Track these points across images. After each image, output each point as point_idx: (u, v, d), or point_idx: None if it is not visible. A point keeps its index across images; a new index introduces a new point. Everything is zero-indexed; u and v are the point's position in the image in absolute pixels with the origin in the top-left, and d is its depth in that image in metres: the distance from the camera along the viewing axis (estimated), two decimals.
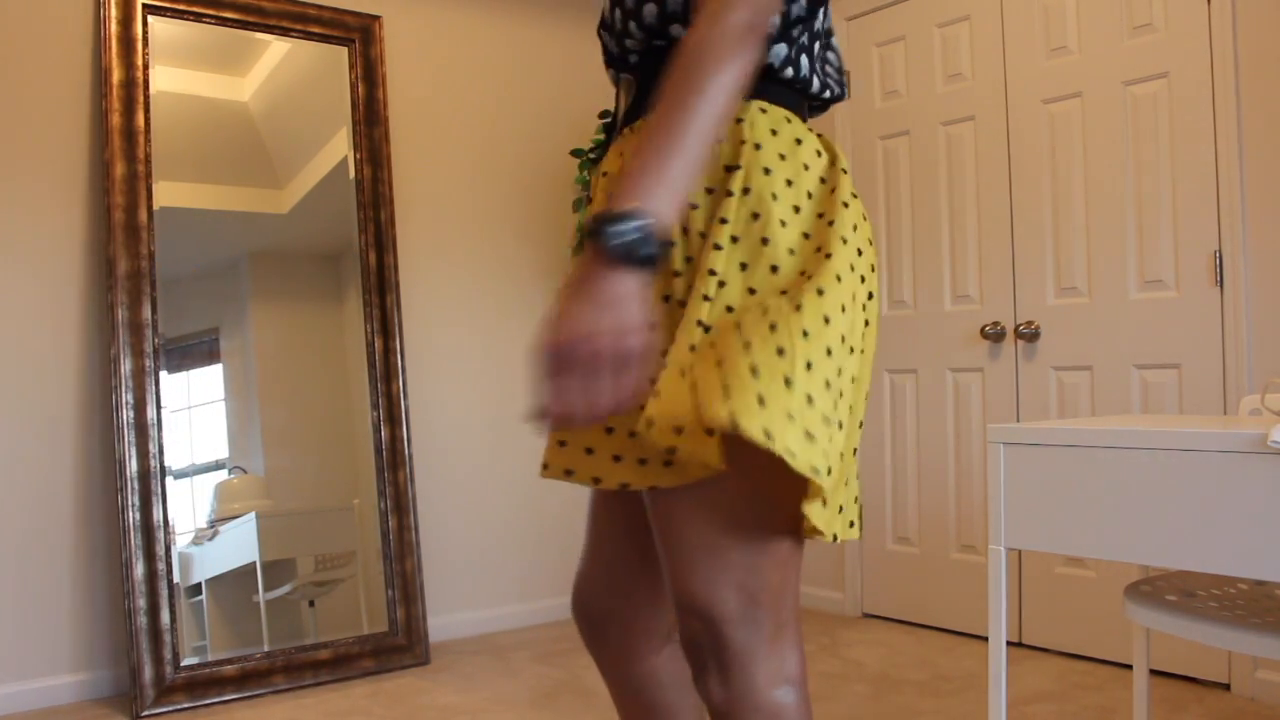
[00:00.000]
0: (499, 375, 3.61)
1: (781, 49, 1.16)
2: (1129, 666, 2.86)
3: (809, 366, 1.01)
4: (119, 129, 2.83)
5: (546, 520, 3.69)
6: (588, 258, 0.91)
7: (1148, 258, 2.84)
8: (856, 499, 1.16)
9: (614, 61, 1.26)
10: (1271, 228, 2.58)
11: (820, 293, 1.04)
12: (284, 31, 3.15)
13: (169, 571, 2.77)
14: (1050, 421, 1.87)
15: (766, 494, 1.06)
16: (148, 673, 2.70)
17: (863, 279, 1.11)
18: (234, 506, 2.99)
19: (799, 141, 1.14)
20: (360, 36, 3.27)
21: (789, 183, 1.11)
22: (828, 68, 1.23)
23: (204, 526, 2.92)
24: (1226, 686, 2.67)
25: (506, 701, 2.75)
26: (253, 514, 3.00)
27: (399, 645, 3.10)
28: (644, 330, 0.91)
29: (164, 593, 2.75)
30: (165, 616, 2.74)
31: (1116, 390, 2.90)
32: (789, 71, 1.17)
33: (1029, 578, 3.11)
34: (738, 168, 1.10)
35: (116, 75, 2.84)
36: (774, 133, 1.13)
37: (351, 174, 3.23)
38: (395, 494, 3.17)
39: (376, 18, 3.31)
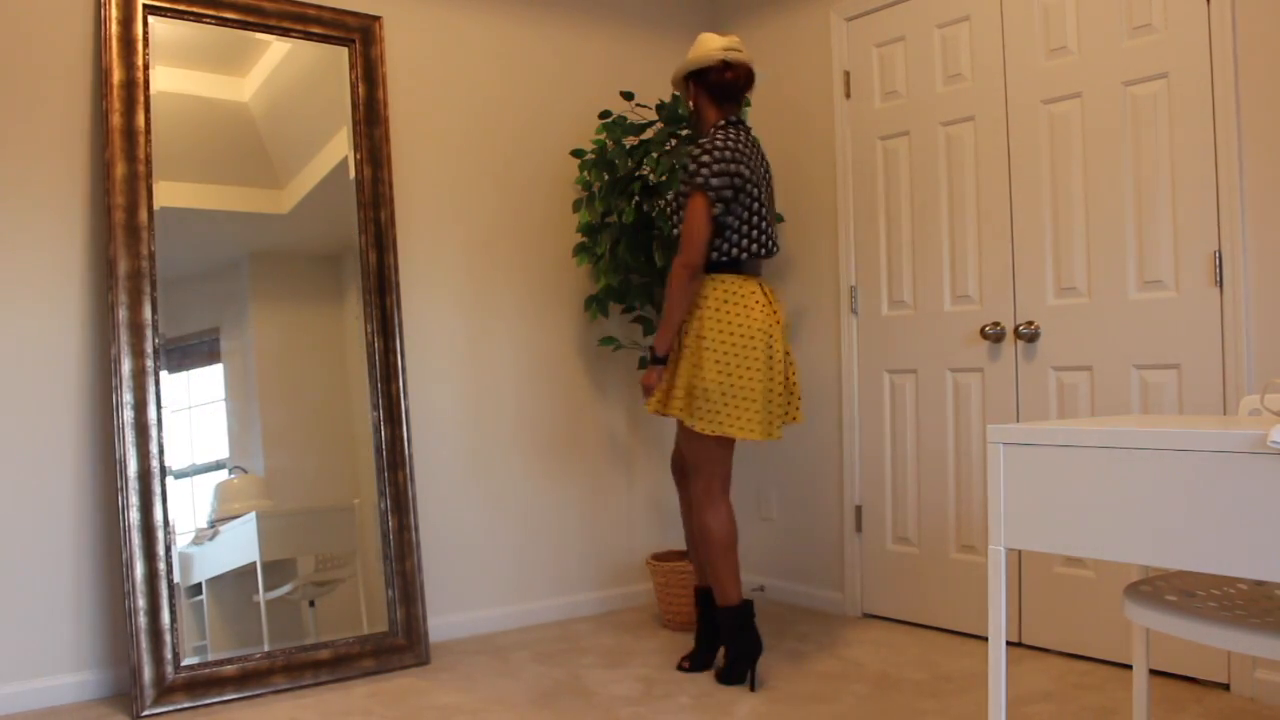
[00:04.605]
0: (499, 375, 3.61)
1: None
2: (1129, 666, 2.86)
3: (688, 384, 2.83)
4: (119, 129, 2.83)
5: (546, 521, 3.70)
6: None
7: (1147, 258, 2.84)
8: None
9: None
10: (1271, 228, 2.58)
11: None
12: (284, 32, 3.15)
13: (169, 571, 2.77)
14: (1050, 422, 1.87)
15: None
16: (148, 673, 2.70)
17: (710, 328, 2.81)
18: (234, 506, 2.99)
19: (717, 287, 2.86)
20: (360, 36, 3.27)
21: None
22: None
23: (204, 526, 2.92)
24: (1226, 686, 2.67)
25: (506, 701, 2.75)
26: (253, 514, 3.01)
27: (399, 645, 3.10)
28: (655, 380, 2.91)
29: (164, 593, 2.75)
30: (165, 616, 2.74)
31: (1116, 390, 2.90)
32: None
33: (1029, 578, 3.11)
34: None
35: (116, 75, 2.84)
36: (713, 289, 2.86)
37: (351, 174, 3.23)
38: (395, 494, 3.17)
39: (376, 18, 3.31)
